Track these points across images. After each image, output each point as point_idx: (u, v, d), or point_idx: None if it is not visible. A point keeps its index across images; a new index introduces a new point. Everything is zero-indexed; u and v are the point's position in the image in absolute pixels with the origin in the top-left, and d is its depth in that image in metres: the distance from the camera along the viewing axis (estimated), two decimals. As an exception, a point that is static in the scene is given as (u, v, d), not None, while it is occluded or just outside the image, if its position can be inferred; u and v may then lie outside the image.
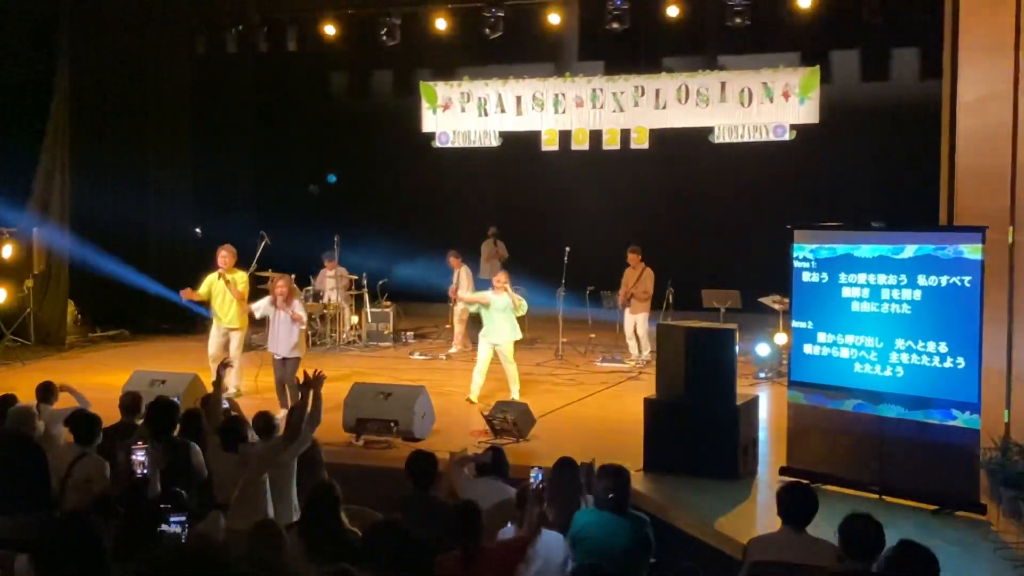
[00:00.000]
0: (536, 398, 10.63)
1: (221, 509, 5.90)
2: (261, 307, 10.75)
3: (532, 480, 5.25)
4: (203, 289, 11.39)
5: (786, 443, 8.27)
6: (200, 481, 6.56)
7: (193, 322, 14.86)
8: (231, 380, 11.14)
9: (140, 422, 7.26)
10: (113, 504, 5.30)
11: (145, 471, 5.77)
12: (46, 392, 7.92)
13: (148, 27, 15.79)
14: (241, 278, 11.50)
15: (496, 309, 10.99)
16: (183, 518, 4.71)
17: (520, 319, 10.88)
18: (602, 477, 5.54)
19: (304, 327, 10.73)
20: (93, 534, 3.86)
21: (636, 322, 13.52)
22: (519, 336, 11.27)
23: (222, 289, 11.29)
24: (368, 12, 15.51)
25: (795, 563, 4.77)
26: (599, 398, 11.61)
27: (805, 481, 6.46)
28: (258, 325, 14.79)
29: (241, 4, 15.98)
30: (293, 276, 14.98)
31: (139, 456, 5.81)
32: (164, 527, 4.68)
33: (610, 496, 5.45)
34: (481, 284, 15.34)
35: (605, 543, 5.30)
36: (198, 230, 16.08)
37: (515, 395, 10.87)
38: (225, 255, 11.41)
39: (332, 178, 17.95)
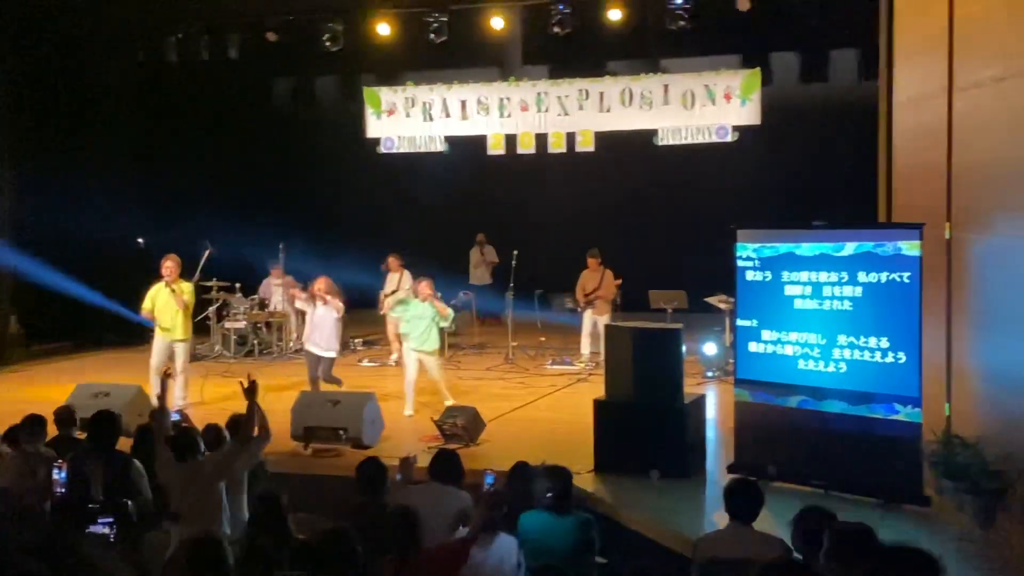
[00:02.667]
0: (486, 402, 10.59)
1: (173, 519, 5.83)
2: (301, 303, 11.57)
3: (485, 484, 5.24)
4: (147, 304, 11.30)
5: (734, 441, 8.36)
6: (140, 497, 6.44)
7: (138, 332, 14.63)
8: (178, 392, 11.02)
9: (81, 435, 7.15)
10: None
11: (62, 491, 5.72)
12: None
13: (88, 37, 15.52)
14: (187, 288, 11.46)
15: (416, 316, 10.89)
16: (111, 519, 4.68)
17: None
18: (542, 478, 5.55)
19: (338, 317, 11.00)
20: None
21: (597, 322, 13.55)
22: (438, 345, 11.15)
23: (168, 299, 11.18)
24: (311, 17, 15.38)
25: (744, 558, 4.81)
26: (550, 400, 11.62)
27: (752, 478, 6.51)
28: (202, 335, 14.68)
29: (180, 12, 15.74)
30: (239, 284, 15.06)
31: (56, 475, 5.77)
32: (93, 528, 4.66)
33: (549, 496, 5.46)
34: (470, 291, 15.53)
35: (548, 544, 5.31)
36: (140, 240, 15.87)
37: (449, 400, 10.72)
38: (170, 265, 11.32)
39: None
